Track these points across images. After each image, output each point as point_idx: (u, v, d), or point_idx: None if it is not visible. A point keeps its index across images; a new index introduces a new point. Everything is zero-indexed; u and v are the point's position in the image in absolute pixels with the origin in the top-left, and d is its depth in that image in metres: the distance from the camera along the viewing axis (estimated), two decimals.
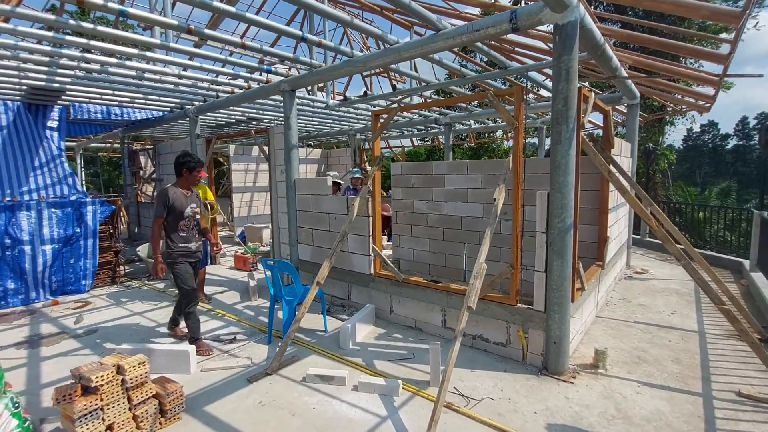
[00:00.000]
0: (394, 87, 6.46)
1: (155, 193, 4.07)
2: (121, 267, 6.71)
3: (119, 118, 8.16)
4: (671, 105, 7.73)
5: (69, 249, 6.03)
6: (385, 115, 4.46)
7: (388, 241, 9.17)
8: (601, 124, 4.94)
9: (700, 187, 26.76)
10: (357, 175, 8.31)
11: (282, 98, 5.50)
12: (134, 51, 4.55)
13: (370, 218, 4.61)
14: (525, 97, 3.34)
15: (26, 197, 6.65)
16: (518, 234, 3.45)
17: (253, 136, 6.74)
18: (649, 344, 3.87)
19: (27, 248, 5.61)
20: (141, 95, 6.85)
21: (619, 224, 5.92)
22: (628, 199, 3.25)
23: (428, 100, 7.52)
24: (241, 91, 6.32)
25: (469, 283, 2.85)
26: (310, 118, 9.78)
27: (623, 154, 5.95)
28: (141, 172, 10.42)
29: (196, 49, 4.84)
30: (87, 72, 5.27)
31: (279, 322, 4.54)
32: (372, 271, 4.70)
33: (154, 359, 3.53)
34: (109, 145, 14.67)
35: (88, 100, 7.28)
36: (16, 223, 5.55)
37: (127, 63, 4.99)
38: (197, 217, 4.11)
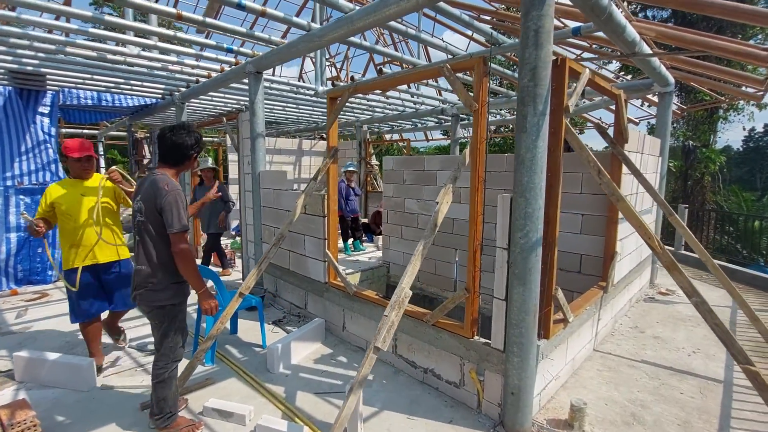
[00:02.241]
0: (380, 71, 5.75)
1: (165, 196, 2.33)
2: None
3: (110, 105, 7.97)
4: (717, 95, 6.52)
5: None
6: (340, 98, 3.79)
7: (368, 240, 8.62)
8: (629, 117, 4.02)
9: (760, 193, 24.06)
10: (350, 169, 7.71)
11: (248, 81, 4.96)
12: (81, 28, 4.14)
13: (325, 218, 3.98)
14: (489, 71, 2.56)
15: (8, 183, 6.54)
16: (476, 249, 2.70)
17: (224, 122, 6.25)
18: (653, 396, 3.00)
19: None
20: (122, 80, 6.55)
21: (637, 236, 4.94)
22: (622, 207, 2.41)
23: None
24: (215, 75, 5.85)
25: (384, 315, 2.15)
26: (312, 109, 9.26)
27: (648, 151, 4.95)
28: (144, 161, 10.32)
29: (148, 26, 4.38)
30: (48, 53, 4.96)
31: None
32: (326, 280, 4.08)
33: (50, 371, 3.10)
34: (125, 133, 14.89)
35: (74, 85, 7.09)
36: None
37: (79, 41, 4.61)
38: None
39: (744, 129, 17.28)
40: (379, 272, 6.71)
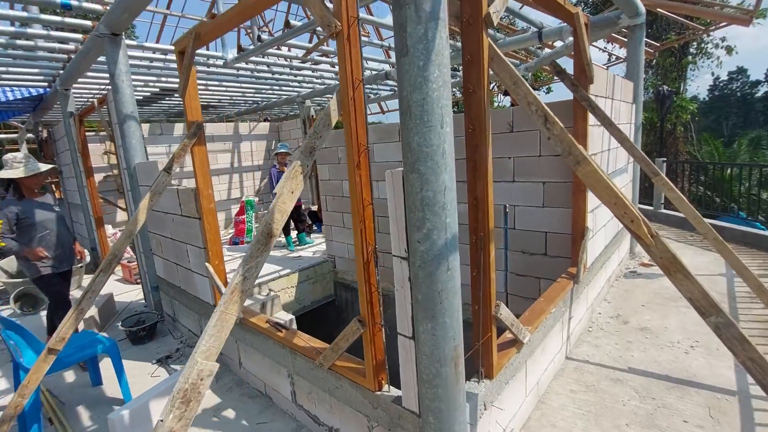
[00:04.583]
0: (287, 24, 4.61)
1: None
2: None
3: None
4: (695, 24, 5.62)
5: None
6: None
7: (318, 231, 7.51)
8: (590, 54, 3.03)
9: (728, 139, 23.99)
10: (281, 151, 6.62)
11: (105, 50, 3.77)
12: None
13: (200, 221, 2.93)
14: None
15: None
16: (369, 259, 1.73)
17: (96, 108, 5.04)
18: (647, 430, 2.15)
19: None
20: None
21: None
22: (585, 173, 1.46)
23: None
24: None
25: (159, 420, 1.16)
26: (242, 86, 8.01)
27: (620, 96, 4.04)
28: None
29: None
30: None
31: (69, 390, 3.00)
32: (214, 301, 3.07)
33: None
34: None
35: None
36: None
37: None
38: None
39: (713, 74, 16.66)
40: (323, 269, 5.77)
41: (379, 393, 1.82)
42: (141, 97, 7.97)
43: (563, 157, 1.50)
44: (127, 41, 4.18)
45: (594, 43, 9.05)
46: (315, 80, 8.08)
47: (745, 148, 16.81)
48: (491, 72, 1.66)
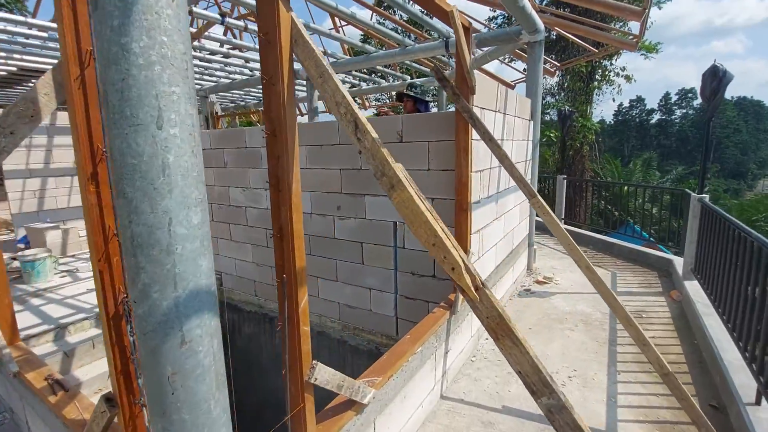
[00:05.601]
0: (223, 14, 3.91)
1: None
2: None
3: None
4: (590, 46, 5.87)
5: None
6: None
7: None
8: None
9: (627, 159, 26.89)
10: None
11: None
12: None
13: None
14: None
15: None
16: (119, 311, 1.20)
17: None
18: None
19: None
20: None
21: (507, 220, 3.95)
22: (401, 200, 1.09)
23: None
24: None
25: None
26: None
27: (514, 112, 3.94)
28: None
29: None
30: None
31: None
32: None
33: None
34: None
35: None
36: None
37: None
38: None
39: (614, 101, 18.33)
40: None
41: None
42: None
43: (376, 177, 1.12)
44: None
45: (512, 64, 9.34)
46: (218, 73, 7.31)
47: (639, 167, 18.76)
48: (297, 59, 1.24)
